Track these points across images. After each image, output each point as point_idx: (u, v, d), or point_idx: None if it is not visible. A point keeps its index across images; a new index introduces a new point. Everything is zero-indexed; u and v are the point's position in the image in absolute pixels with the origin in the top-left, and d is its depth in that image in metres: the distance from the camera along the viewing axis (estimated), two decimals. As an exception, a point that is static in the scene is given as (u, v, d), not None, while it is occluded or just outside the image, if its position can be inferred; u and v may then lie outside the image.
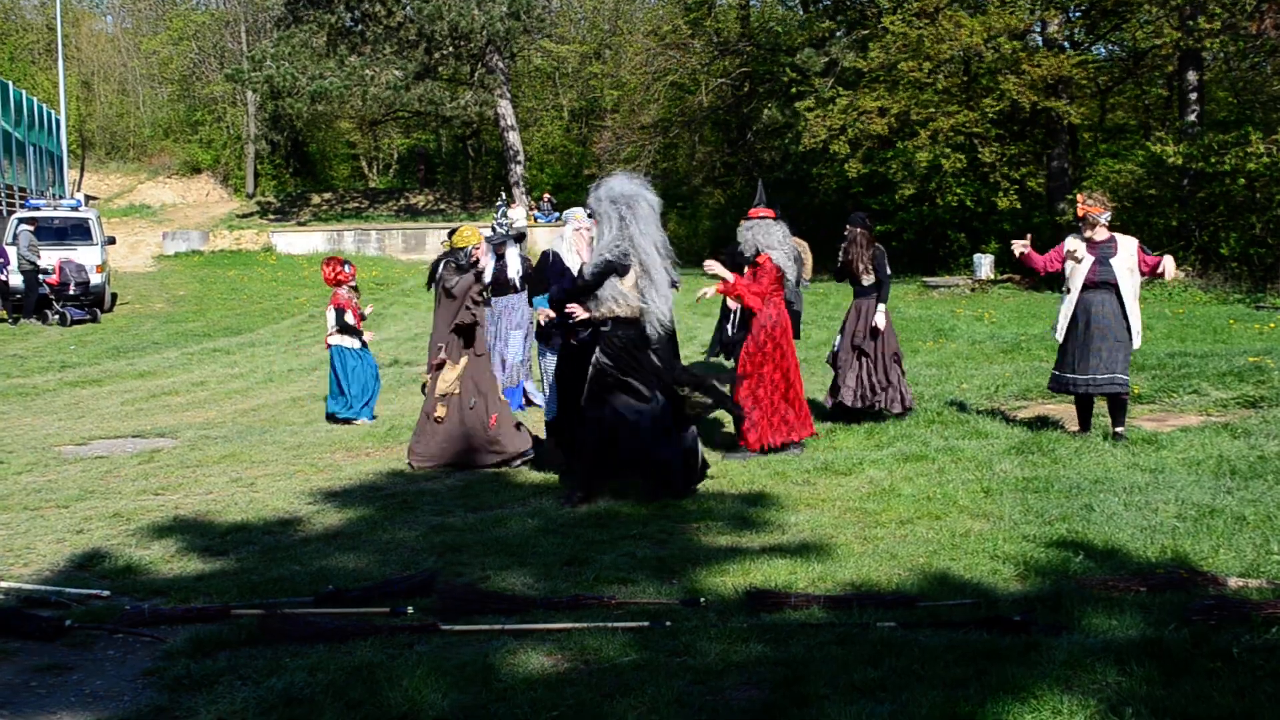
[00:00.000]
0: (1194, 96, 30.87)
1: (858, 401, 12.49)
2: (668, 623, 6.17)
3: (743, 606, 6.54)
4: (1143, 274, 10.86)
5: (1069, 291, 10.98)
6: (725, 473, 10.29)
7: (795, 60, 36.56)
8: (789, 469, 10.34)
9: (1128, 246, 10.82)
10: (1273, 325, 19.89)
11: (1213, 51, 29.73)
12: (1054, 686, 5.16)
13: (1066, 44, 33.79)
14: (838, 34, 36.98)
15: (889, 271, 12.63)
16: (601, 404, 9.32)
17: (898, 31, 31.30)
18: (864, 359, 12.49)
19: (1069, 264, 10.95)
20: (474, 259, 11.20)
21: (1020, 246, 11.20)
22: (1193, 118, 30.46)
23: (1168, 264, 10.69)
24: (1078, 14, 34.35)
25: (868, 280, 12.52)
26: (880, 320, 12.43)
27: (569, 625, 6.18)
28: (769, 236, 11.14)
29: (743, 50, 41.41)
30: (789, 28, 43.41)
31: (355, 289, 14.29)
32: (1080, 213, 10.83)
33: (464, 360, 11.08)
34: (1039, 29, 33.74)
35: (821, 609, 6.44)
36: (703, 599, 6.66)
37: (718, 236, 41.27)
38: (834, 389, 12.71)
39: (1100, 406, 11.38)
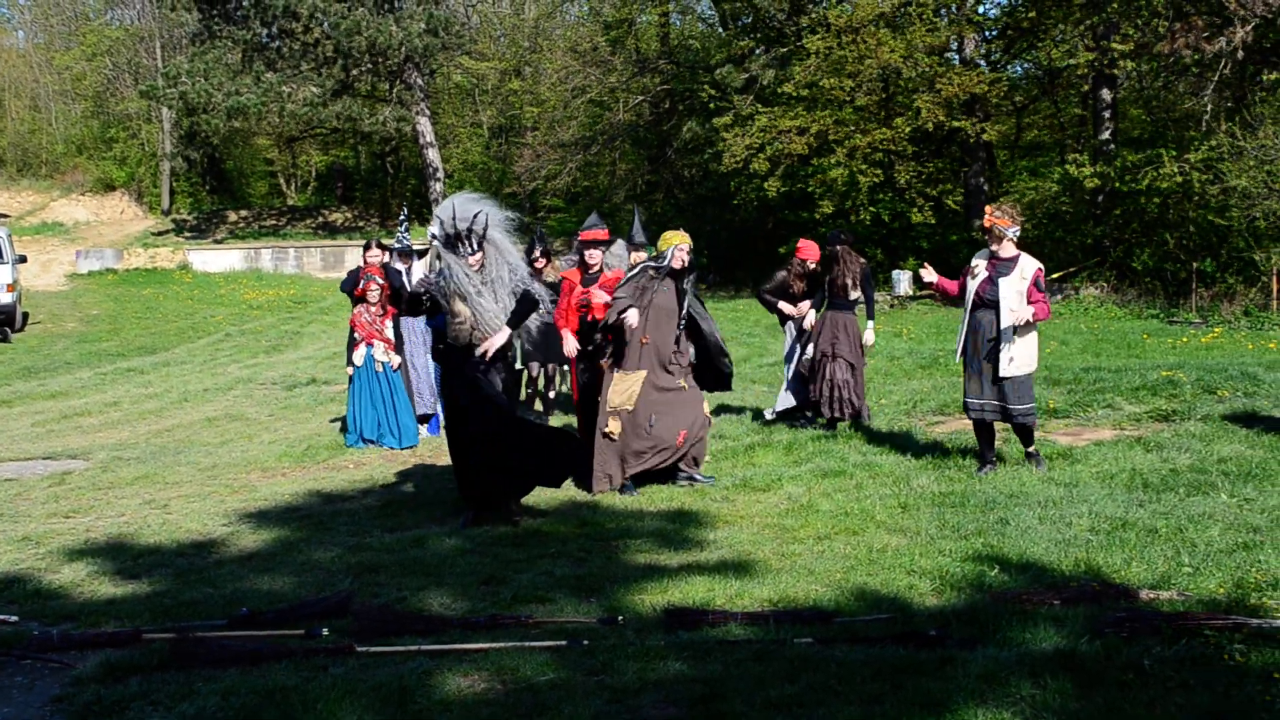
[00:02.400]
0: (1108, 115, 31.35)
1: (839, 412, 12.83)
2: (585, 641, 6.15)
3: (661, 624, 6.54)
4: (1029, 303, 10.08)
5: (965, 309, 10.47)
6: (645, 490, 10.29)
7: (714, 77, 36.72)
8: (708, 486, 10.35)
9: (1024, 269, 10.14)
10: (1185, 340, 20.21)
11: (1125, 71, 30.17)
12: (969, 700, 5.19)
13: (983, 62, 34.18)
14: (757, 51, 37.18)
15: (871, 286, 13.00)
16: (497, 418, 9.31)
17: (819, 50, 31.49)
18: (854, 371, 12.84)
19: (968, 279, 10.43)
20: (676, 261, 10.54)
21: (929, 274, 10.70)
22: (1107, 135, 30.92)
23: (1023, 313, 9.94)
24: (994, 33, 34.75)
25: (855, 295, 12.83)
26: (870, 338, 13.05)
27: (486, 645, 6.14)
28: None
29: (663, 68, 41.53)
30: (709, 45, 43.58)
31: (382, 299, 13.32)
32: (987, 224, 10.27)
33: (642, 373, 10.45)
34: (955, 47, 34.09)
35: (739, 626, 6.44)
36: (621, 617, 6.65)
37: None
38: (807, 402, 13.11)
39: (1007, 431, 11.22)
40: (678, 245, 10.50)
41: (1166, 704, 5.09)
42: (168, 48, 55.09)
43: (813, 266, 13.39)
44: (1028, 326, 10.14)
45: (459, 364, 9.29)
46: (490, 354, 9.14)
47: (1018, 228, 10.24)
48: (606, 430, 10.32)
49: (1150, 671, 5.41)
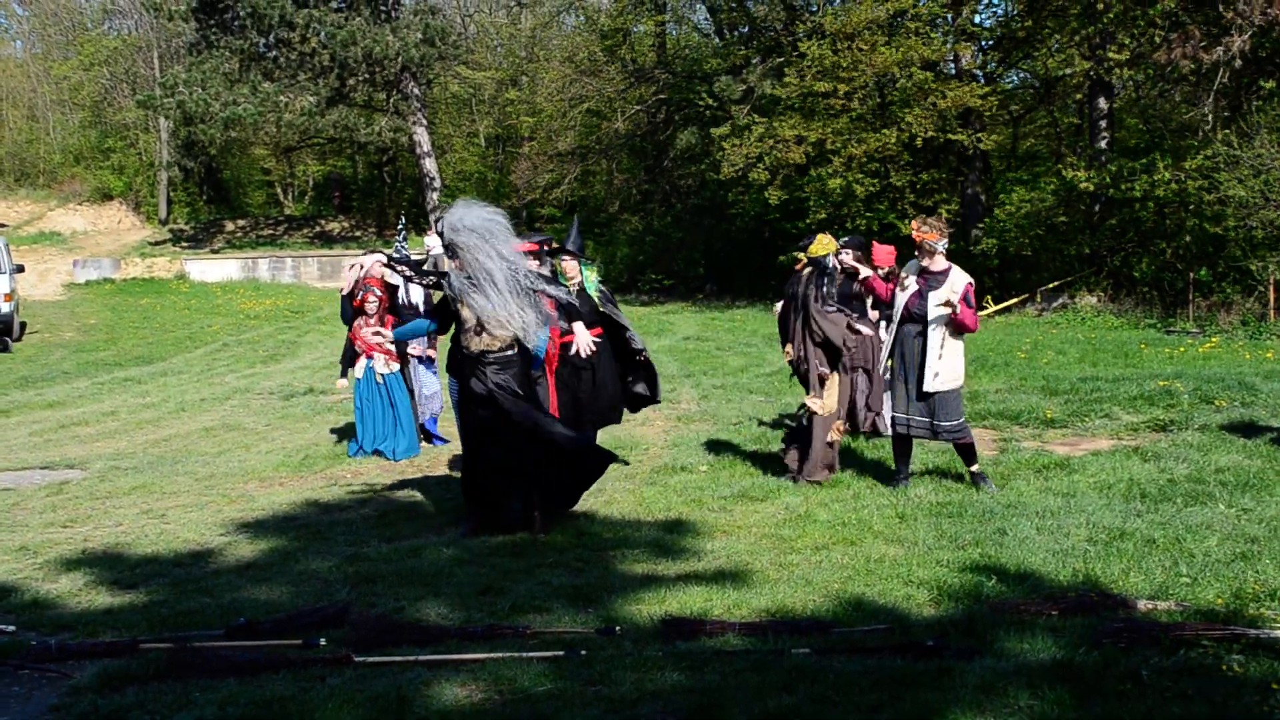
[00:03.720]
0: (1104, 124, 31.36)
1: (861, 424, 12.69)
2: (583, 652, 6.15)
3: (658, 634, 6.53)
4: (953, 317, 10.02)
5: (891, 321, 10.45)
6: (642, 500, 10.28)
7: (713, 88, 36.76)
8: (706, 496, 10.35)
9: (955, 284, 10.08)
10: (1182, 349, 20.21)
11: (1122, 80, 30.19)
12: (967, 710, 5.19)
13: (979, 73, 34.19)
14: (753, 62, 37.22)
15: None
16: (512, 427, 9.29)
17: (814, 55, 31.51)
18: (870, 380, 12.67)
19: (898, 290, 10.36)
20: (831, 267, 10.85)
21: (861, 269, 10.85)
22: (1103, 144, 30.93)
23: (952, 299, 9.94)
24: (989, 44, 34.79)
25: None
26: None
27: (484, 655, 6.14)
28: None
29: (658, 78, 41.55)
30: (704, 55, 43.60)
31: (380, 311, 13.18)
32: (916, 238, 10.20)
33: (837, 378, 10.89)
34: (952, 59, 34.12)
35: (737, 636, 6.44)
36: (618, 627, 6.64)
37: (634, 263, 41.34)
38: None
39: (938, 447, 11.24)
40: (834, 252, 10.89)
41: (1164, 714, 5.09)
42: (165, 58, 55.06)
43: (883, 271, 12.77)
44: (954, 341, 10.14)
45: (472, 374, 9.23)
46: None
47: (945, 240, 10.24)
48: (831, 440, 10.81)
49: (1148, 682, 5.41)
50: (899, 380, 10.35)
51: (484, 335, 9.07)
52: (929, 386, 10.09)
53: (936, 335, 10.08)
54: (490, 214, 9.11)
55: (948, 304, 9.97)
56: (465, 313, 9.09)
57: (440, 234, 9.08)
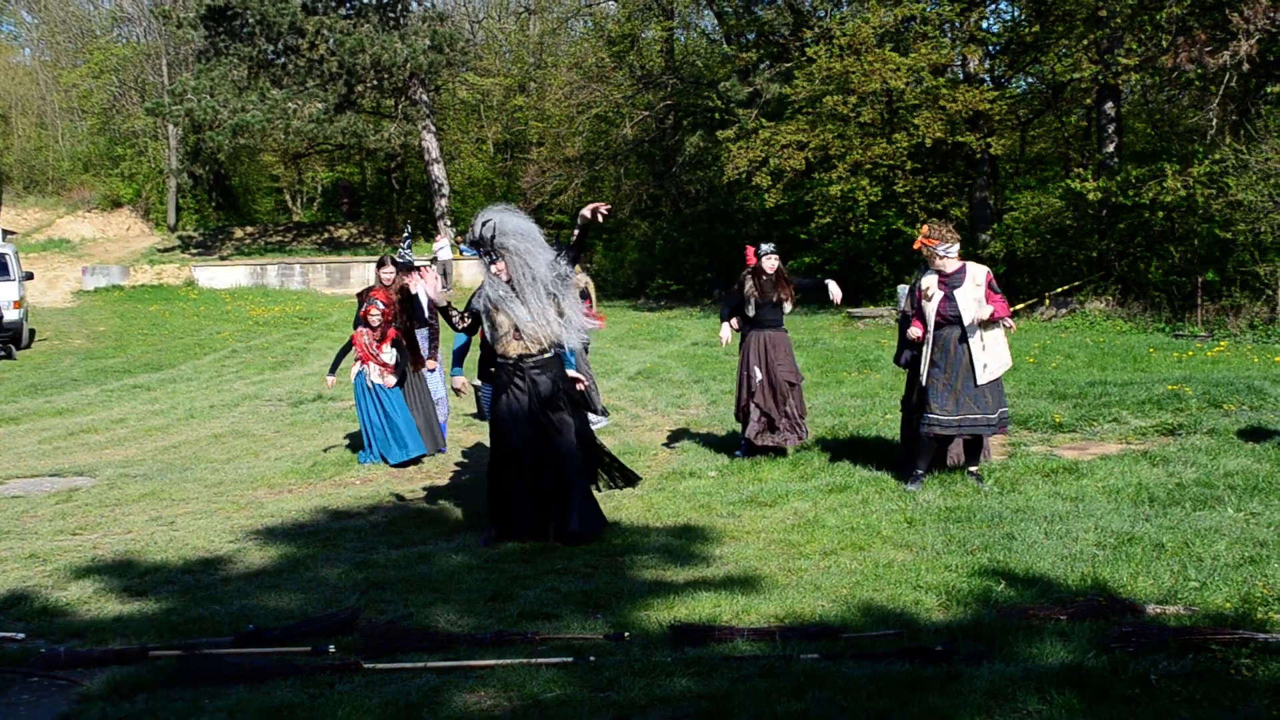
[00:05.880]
0: (1112, 128, 31.31)
1: (796, 435, 12.42)
2: (592, 658, 6.15)
3: (667, 640, 6.54)
4: (988, 304, 10.21)
5: (927, 330, 10.41)
6: (651, 506, 10.29)
7: (720, 90, 36.74)
8: (714, 501, 10.35)
9: (975, 276, 10.32)
10: (1191, 353, 20.17)
11: (1129, 84, 30.13)
12: (976, 715, 5.18)
13: (987, 78, 34.14)
14: (761, 65, 37.20)
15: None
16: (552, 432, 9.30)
17: (823, 64, 31.48)
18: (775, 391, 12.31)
19: (924, 302, 10.40)
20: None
21: (916, 331, 10.47)
22: (1111, 149, 30.89)
23: (982, 313, 10.13)
24: (997, 48, 34.75)
25: (789, 308, 12.41)
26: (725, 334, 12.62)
27: (493, 662, 6.14)
28: None
29: (666, 83, 41.57)
30: (712, 61, 43.58)
31: (383, 325, 13.23)
32: (917, 245, 10.37)
33: None
34: (960, 63, 34.07)
35: (746, 642, 6.44)
36: (627, 633, 6.65)
37: (643, 268, 41.33)
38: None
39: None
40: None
41: (1173, 718, 5.08)
42: (174, 65, 55.11)
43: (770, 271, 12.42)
44: (993, 328, 10.27)
45: (513, 379, 9.24)
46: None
47: (950, 244, 10.30)
48: None
49: (1157, 686, 5.40)
50: (944, 385, 10.33)
51: (523, 340, 9.10)
52: (982, 379, 10.22)
53: (975, 329, 10.21)
54: (527, 219, 9.18)
55: (989, 324, 10.22)
56: (501, 319, 9.11)
57: (479, 237, 9.07)
